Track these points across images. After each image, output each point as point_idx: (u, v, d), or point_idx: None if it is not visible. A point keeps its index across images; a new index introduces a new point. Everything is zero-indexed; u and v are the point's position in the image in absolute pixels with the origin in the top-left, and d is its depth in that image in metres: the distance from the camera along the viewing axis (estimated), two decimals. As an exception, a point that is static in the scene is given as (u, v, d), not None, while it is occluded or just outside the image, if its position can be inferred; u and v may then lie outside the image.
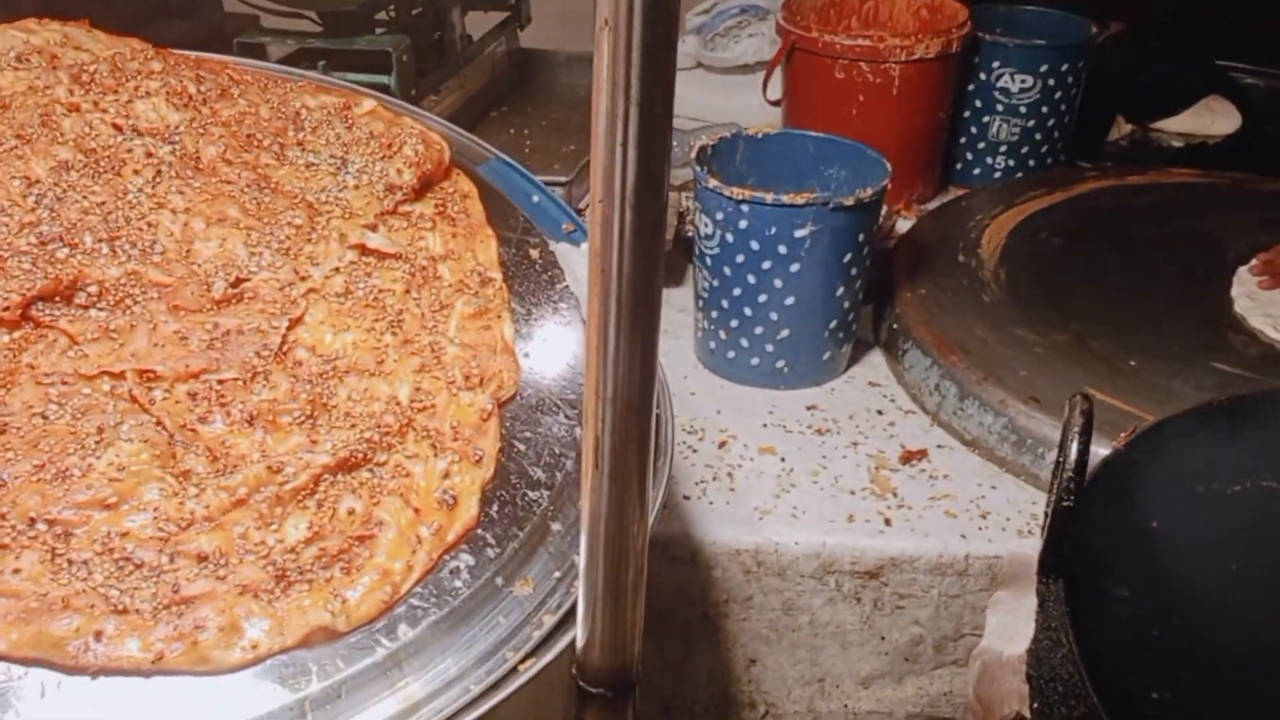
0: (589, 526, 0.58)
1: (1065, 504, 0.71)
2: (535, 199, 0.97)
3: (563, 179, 1.26)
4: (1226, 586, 0.77)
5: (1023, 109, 1.48)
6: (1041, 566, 0.73)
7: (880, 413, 1.14)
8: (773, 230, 1.06)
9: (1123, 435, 0.84)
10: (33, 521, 0.64)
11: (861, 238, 1.09)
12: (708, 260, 1.12)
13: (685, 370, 1.19)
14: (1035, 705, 0.74)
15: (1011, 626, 0.91)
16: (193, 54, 1.00)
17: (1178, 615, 0.76)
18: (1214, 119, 1.73)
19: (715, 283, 1.13)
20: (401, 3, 1.26)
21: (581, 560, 0.59)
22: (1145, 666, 0.74)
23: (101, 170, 0.83)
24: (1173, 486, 0.81)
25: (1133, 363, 1.09)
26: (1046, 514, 0.74)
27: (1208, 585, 0.77)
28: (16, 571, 0.61)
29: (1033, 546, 0.94)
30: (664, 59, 0.47)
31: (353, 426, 0.72)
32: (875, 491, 1.03)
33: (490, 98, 1.47)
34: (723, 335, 1.15)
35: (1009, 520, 1.00)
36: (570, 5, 1.72)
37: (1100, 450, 0.77)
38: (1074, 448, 0.71)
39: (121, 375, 0.72)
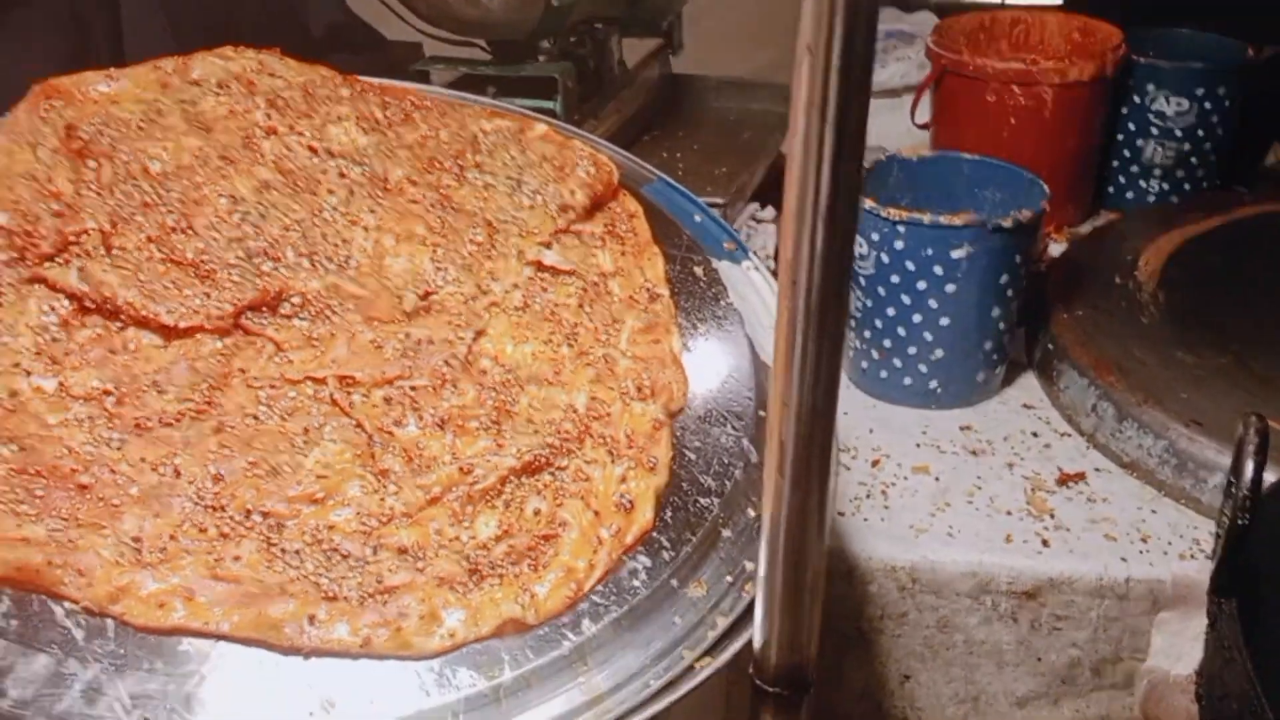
0: (769, 530, 0.60)
1: (1240, 523, 0.71)
2: (697, 218, 1.00)
3: (719, 200, 1.29)
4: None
5: (1178, 132, 1.47)
6: (1214, 585, 0.73)
7: (1035, 434, 1.14)
8: (929, 251, 1.08)
9: (1292, 457, 0.84)
10: (249, 513, 0.69)
11: (1019, 259, 1.10)
12: (861, 280, 1.14)
13: (836, 389, 1.21)
14: (1206, 723, 0.74)
15: (1178, 647, 0.91)
16: (376, 80, 1.06)
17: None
18: (1375, 143, 1.68)
19: (869, 303, 1.14)
20: (563, 31, 1.31)
21: (761, 562, 0.61)
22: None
23: (299, 190, 0.89)
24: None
25: (1296, 386, 1.07)
26: (1218, 534, 0.74)
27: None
28: (237, 559, 0.66)
29: (1197, 569, 0.93)
30: (860, 81, 0.49)
31: (535, 432, 0.76)
32: (1032, 513, 1.03)
33: (644, 122, 1.51)
34: (875, 355, 1.16)
35: (1170, 544, 0.99)
36: (721, 31, 1.76)
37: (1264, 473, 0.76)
38: (1249, 466, 0.71)
39: (323, 380, 0.77)
